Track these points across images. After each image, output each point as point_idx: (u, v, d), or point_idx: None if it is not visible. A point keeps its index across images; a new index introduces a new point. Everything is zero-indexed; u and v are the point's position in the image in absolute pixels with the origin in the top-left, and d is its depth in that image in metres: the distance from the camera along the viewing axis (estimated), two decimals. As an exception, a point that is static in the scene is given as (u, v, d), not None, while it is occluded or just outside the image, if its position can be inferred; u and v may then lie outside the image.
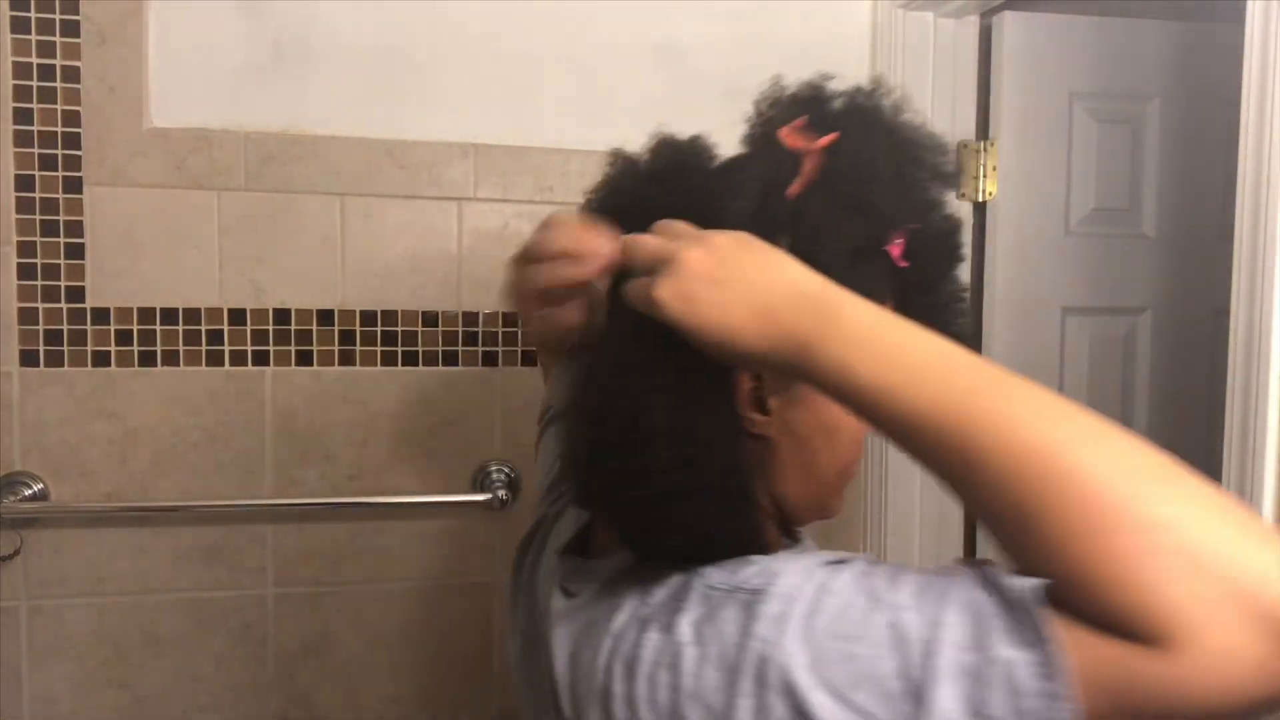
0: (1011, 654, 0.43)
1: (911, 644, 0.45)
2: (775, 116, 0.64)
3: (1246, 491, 0.94)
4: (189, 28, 1.36)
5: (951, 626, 0.45)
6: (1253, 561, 0.40)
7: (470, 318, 1.46)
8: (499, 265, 1.45)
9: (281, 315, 1.41)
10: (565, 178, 1.46)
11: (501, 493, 1.43)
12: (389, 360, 1.44)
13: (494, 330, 1.47)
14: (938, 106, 1.57)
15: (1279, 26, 0.91)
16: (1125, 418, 1.71)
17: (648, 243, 0.57)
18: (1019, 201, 1.62)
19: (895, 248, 0.62)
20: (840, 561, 0.53)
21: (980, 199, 1.61)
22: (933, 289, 0.67)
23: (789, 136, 0.61)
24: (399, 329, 1.44)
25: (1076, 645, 0.42)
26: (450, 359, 1.45)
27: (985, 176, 1.60)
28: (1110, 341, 1.71)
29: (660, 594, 0.56)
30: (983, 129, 1.62)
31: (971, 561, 0.49)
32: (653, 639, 0.54)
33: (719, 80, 1.49)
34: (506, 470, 1.46)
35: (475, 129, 1.44)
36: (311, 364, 1.42)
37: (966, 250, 0.65)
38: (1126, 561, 0.41)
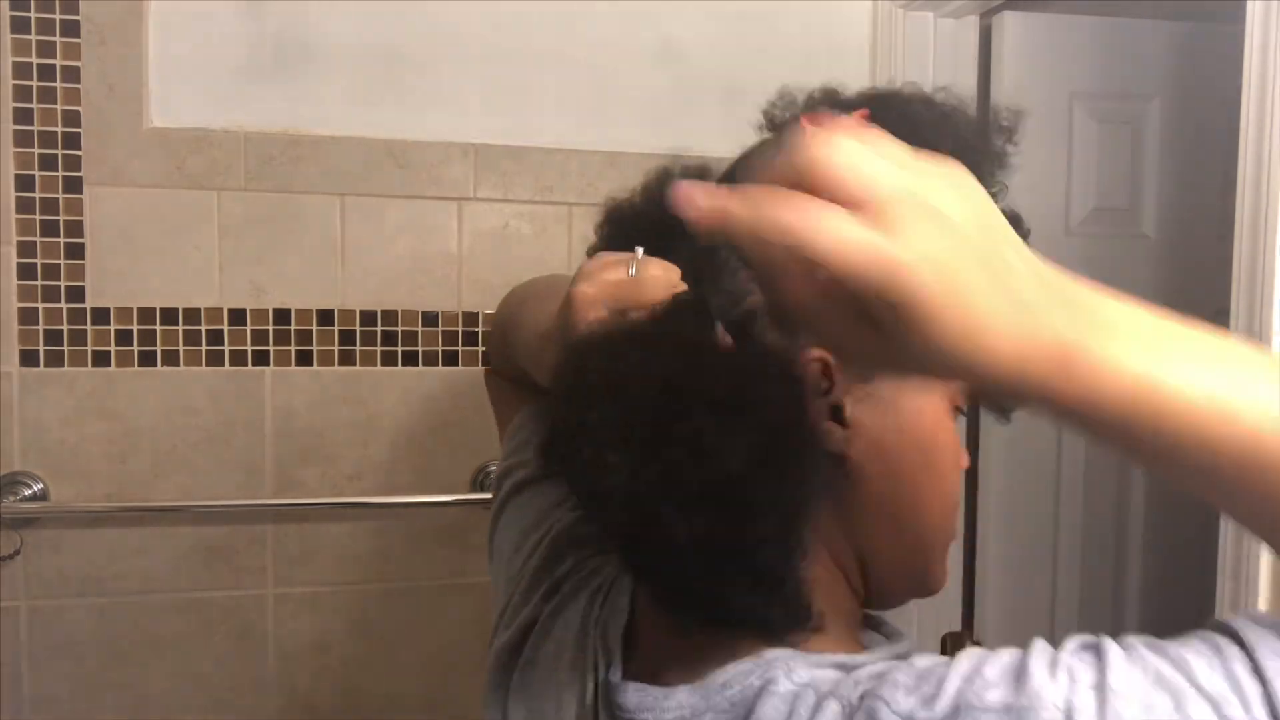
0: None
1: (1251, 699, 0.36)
2: (791, 117, 0.55)
3: (1246, 491, 0.94)
4: (189, 28, 1.36)
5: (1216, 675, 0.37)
6: None
7: (470, 318, 1.46)
8: (499, 265, 1.46)
9: (281, 315, 1.41)
10: (565, 178, 1.46)
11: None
12: (389, 360, 1.44)
13: (494, 330, 1.47)
14: (938, 106, 1.57)
15: (1279, 26, 0.91)
16: (1125, 418, 1.71)
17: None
18: (1019, 201, 1.62)
19: None
20: (1078, 646, 0.41)
21: (980, 199, 1.61)
22: None
23: (810, 123, 0.50)
24: (399, 329, 1.44)
25: None
26: (450, 359, 1.45)
27: (985, 176, 1.60)
28: (1110, 341, 1.71)
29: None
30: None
31: (1225, 621, 0.41)
32: None
33: (719, 80, 1.49)
34: (506, 470, 1.46)
35: (475, 129, 1.44)
36: (311, 364, 1.42)
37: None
38: None
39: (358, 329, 1.43)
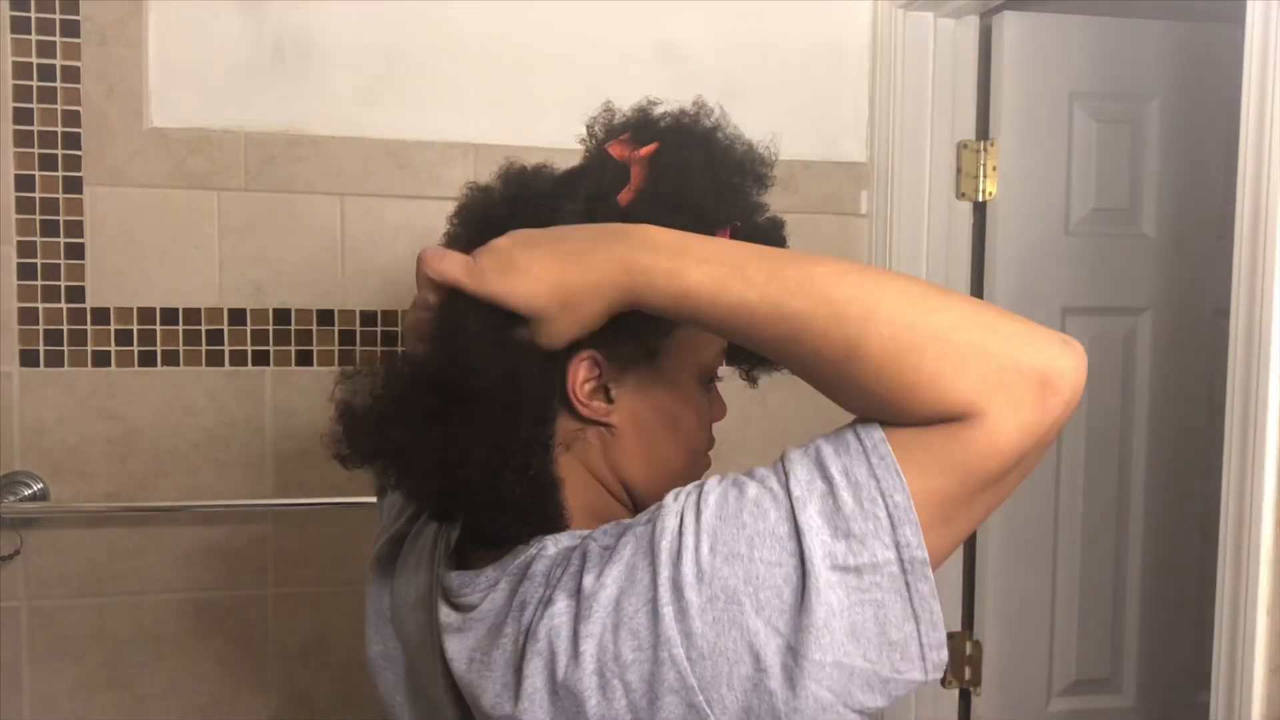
0: (843, 462, 0.54)
1: (778, 494, 0.55)
2: (606, 136, 0.71)
3: (1246, 491, 0.94)
4: (189, 28, 1.36)
5: (798, 468, 0.55)
6: (1014, 345, 0.53)
7: (470, 318, 1.46)
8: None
9: (281, 315, 1.41)
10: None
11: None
12: (389, 360, 1.43)
13: (494, 330, 1.46)
14: (938, 106, 1.57)
15: (1279, 26, 0.91)
16: (1125, 418, 1.71)
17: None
18: (1019, 201, 1.62)
19: None
20: (700, 482, 0.59)
21: (980, 199, 1.61)
22: None
23: (615, 148, 0.69)
24: (399, 329, 1.44)
25: (910, 438, 0.53)
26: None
27: (985, 176, 1.60)
28: (1110, 341, 1.71)
29: (557, 573, 0.60)
30: (983, 129, 1.62)
31: None
32: (562, 605, 0.57)
33: (719, 80, 1.49)
34: (506, 470, 1.46)
35: (475, 129, 1.44)
36: (311, 364, 1.42)
37: (791, 245, 0.73)
38: (931, 370, 0.52)
39: (358, 329, 1.43)
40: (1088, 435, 1.69)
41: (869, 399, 0.55)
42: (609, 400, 0.68)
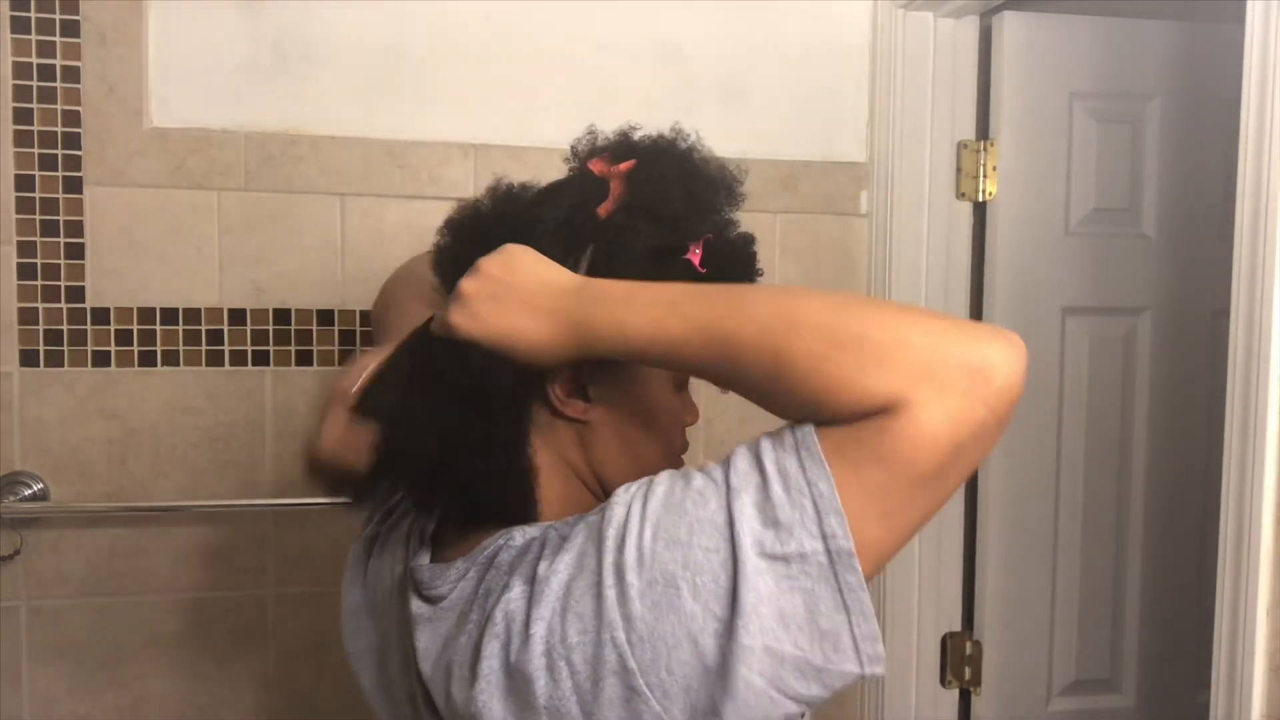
0: (776, 455, 0.56)
1: (720, 484, 0.57)
2: (587, 156, 0.74)
3: (1246, 491, 0.94)
4: (189, 28, 1.36)
5: (738, 460, 0.57)
6: (938, 337, 0.54)
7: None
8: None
9: (281, 315, 1.41)
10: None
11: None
12: (389, 360, 1.43)
13: (494, 330, 1.46)
14: (938, 106, 1.57)
15: (1279, 26, 0.91)
16: (1125, 418, 1.71)
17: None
18: (1019, 201, 1.62)
19: (694, 255, 0.72)
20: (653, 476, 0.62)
21: (980, 199, 1.61)
22: None
23: (595, 165, 0.72)
24: (399, 329, 1.44)
25: (844, 434, 0.55)
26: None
27: (985, 176, 1.60)
28: (1110, 341, 1.71)
29: (518, 562, 0.63)
30: (983, 129, 1.62)
31: None
32: (518, 591, 0.60)
33: (719, 80, 1.49)
34: (506, 470, 1.46)
35: (475, 129, 1.44)
36: (311, 364, 1.42)
37: (764, 263, 0.79)
38: (854, 367, 0.54)
39: (358, 329, 1.43)
40: (1088, 435, 1.69)
41: (802, 404, 0.56)
42: (586, 399, 0.71)
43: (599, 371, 0.70)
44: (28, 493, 1.34)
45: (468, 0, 1.43)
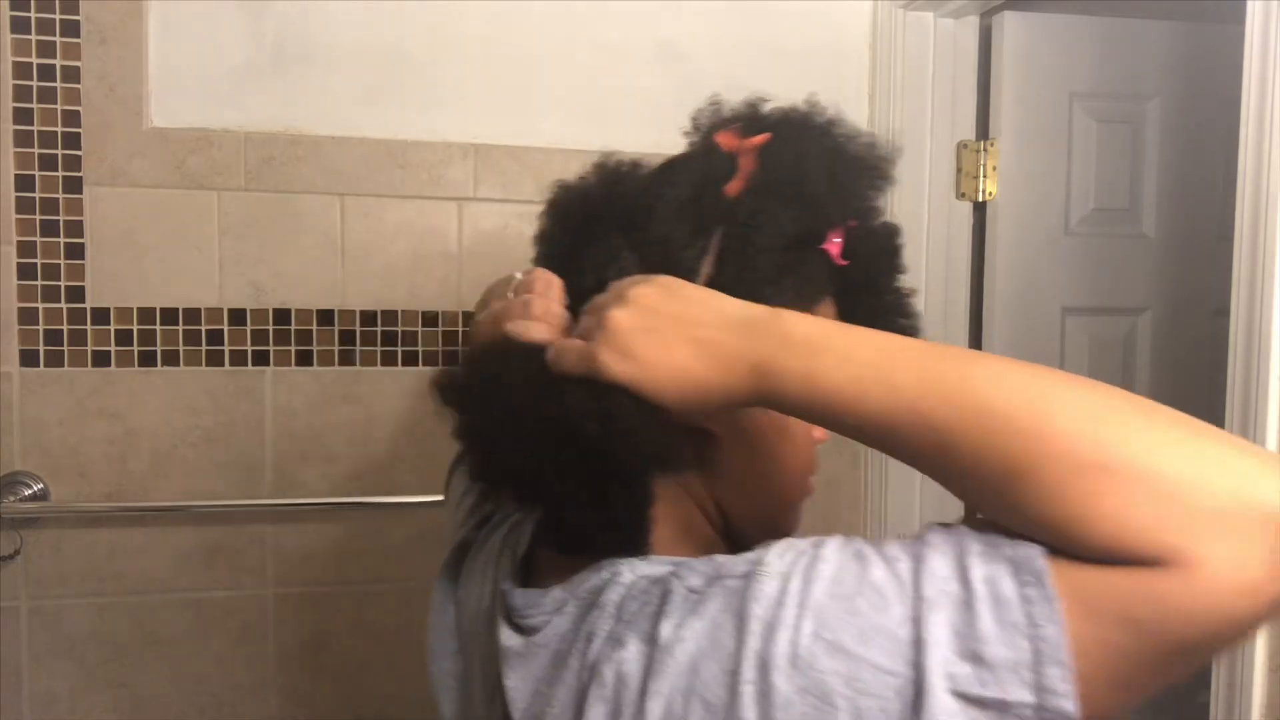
0: (989, 570, 0.44)
1: (907, 585, 0.45)
2: (712, 128, 0.66)
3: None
4: (189, 28, 1.36)
5: (936, 560, 0.46)
6: (1242, 478, 0.42)
7: (470, 318, 1.46)
8: (499, 265, 1.46)
9: (281, 315, 1.41)
10: (565, 178, 1.46)
11: (501, 493, 1.43)
12: (389, 360, 1.44)
13: (494, 330, 1.46)
14: (938, 106, 1.57)
15: (1279, 26, 0.91)
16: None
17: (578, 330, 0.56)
18: (1019, 201, 1.62)
19: (834, 245, 0.62)
20: (809, 543, 0.52)
21: (980, 199, 1.61)
22: (876, 290, 0.66)
23: (723, 138, 0.63)
24: (399, 329, 1.44)
25: (1088, 574, 0.43)
26: (450, 359, 1.45)
27: (985, 176, 1.60)
28: (1110, 341, 1.71)
29: (633, 607, 0.53)
30: (983, 129, 1.62)
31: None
32: (633, 651, 0.51)
33: (719, 80, 1.49)
34: (506, 470, 1.46)
35: (475, 129, 1.44)
36: (311, 364, 1.42)
37: (908, 260, 0.68)
38: (1123, 500, 0.42)
39: (358, 329, 1.43)
40: (1088, 435, 1.69)
41: (1034, 525, 0.45)
42: None
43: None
44: (28, 493, 1.34)
45: (468, 0, 1.43)
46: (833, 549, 0.49)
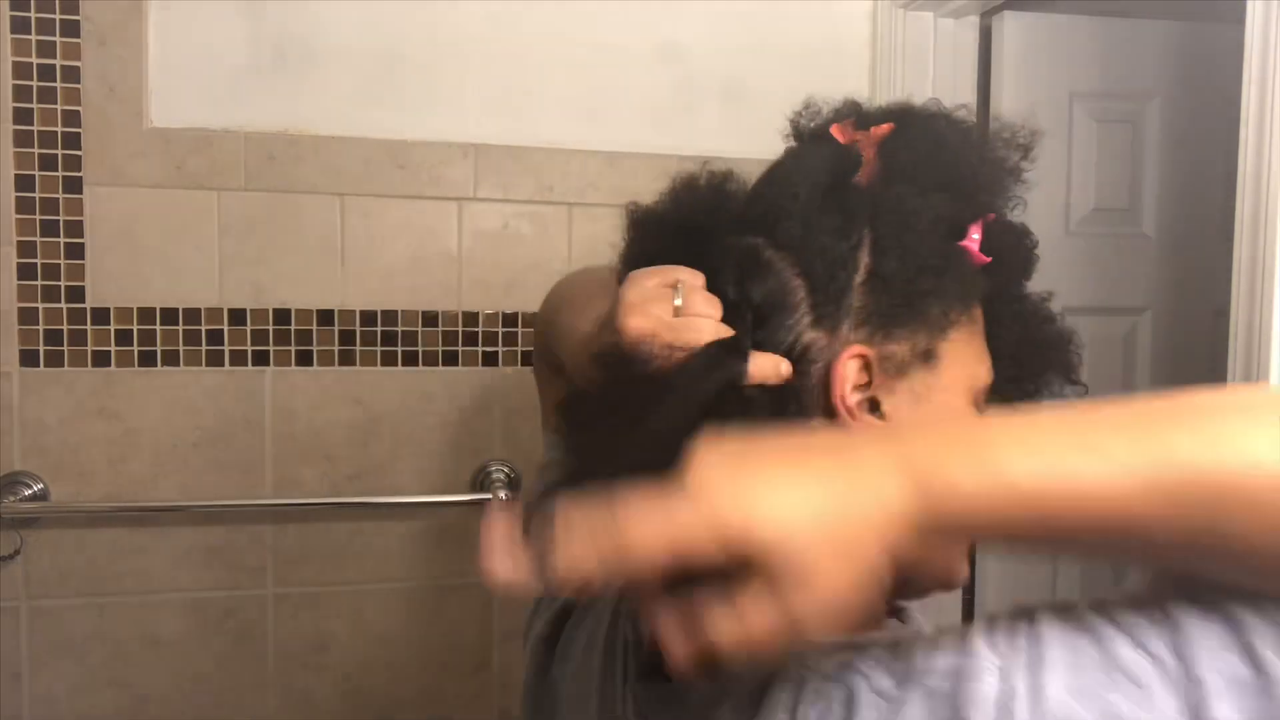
0: (1259, 621, 0.36)
1: (1170, 667, 0.37)
2: (818, 124, 0.59)
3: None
4: (189, 28, 1.36)
5: (1192, 629, 0.38)
6: None
7: (470, 318, 1.46)
8: (499, 265, 1.46)
9: (281, 315, 1.41)
10: (565, 178, 1.46)
11: (502, 492, 1.43)
12: (389, 360, 1.44)
13: (494, 330, 1.47)
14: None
15: (1279, 26, 0.91)
16: (1125, 418, 1.71)
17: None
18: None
19: (972, 240, 0.54)
20: (1016, 617, 0.42)
21: (980, 199, 1.61)
22: (1013, 291, 0.61)
23: (839, 131, 0.56)
24: (399, 329, 1.44)
25: None
26: (450, 359, 1.45)
27: (985, 176, 1.60)
28: (1110, 341, 1.71)
29: (811, 716, 0.44)
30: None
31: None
32: None
33: (719, 80, 1.49)
34: (506, 470, 1.46)
35: (475, 129, 1.44)
36: (311, 364, 1.42)
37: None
38: None
39: (358, 329, 1.43)
40: (1088, 435, 1.69)
41: None
42: (879, 415, 0.51)
43: (895, 375, 0.51)
44: (28, 493, 1.34)
45: (468, 0, 1.43)
46: (1049, 625, 0.40)
